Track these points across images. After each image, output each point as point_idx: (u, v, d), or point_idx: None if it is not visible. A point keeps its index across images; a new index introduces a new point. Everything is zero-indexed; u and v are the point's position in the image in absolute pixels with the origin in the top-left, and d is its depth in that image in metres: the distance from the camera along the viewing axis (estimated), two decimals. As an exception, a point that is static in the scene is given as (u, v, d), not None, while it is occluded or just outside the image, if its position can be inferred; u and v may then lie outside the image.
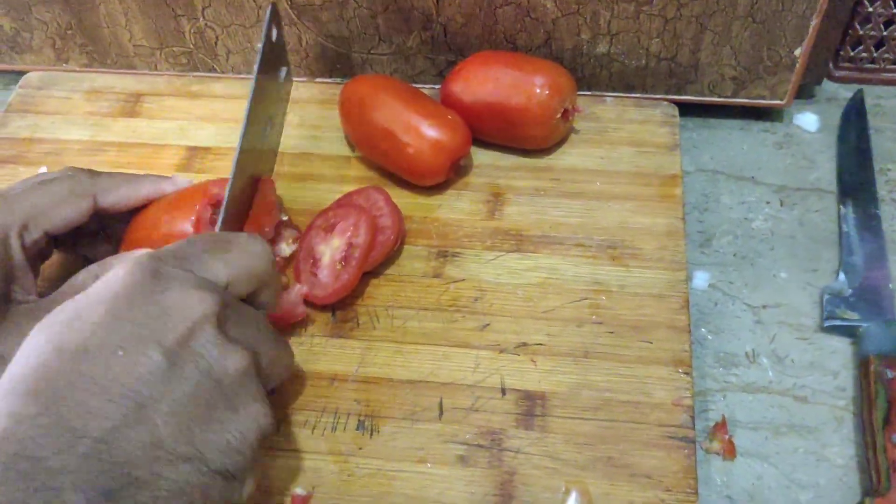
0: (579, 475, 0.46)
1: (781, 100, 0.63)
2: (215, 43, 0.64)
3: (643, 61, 0.61)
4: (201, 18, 0.63)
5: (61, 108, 0.66)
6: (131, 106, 0.66)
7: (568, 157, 0.60)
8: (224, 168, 0.61)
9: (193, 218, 0.50)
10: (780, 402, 0.52)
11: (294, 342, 0.52)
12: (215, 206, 0.51)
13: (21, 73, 0.69)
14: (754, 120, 0.66)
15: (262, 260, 0.41)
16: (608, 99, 0.63)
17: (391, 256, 0.55)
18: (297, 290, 0.52)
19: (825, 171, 0.63)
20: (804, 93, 0.67)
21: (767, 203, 0.61)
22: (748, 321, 0.56)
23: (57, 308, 0.36)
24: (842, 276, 0.56)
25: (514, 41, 0.61)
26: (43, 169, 0.62)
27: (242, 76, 0.67)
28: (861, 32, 0.64)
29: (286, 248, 0.55)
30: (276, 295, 0.44)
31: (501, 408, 0.49)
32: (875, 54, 0.66)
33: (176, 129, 0.64)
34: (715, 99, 0.64)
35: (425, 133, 0.56)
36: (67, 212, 0.47)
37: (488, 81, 0.58)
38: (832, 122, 0.65)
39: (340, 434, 0.49)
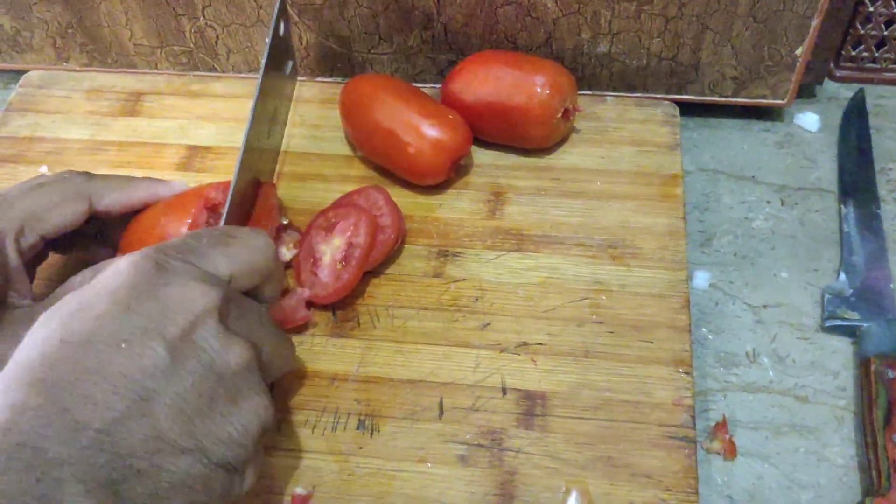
0: (580, 475, 0.46)
1: (782, 99, 0.63)
2: (216, 42, 0.64)
3: (644, 61, 0.61)
4: (202, 18, 0.62)
5: (62, 107, 0.66)
6: (132, 105, 0.66)
7: (568, 156, 0.60)
8: (224, 167, 0.61)
9: (190, 221, 0.50)
10: (781, 401, 0.52)
11: (295, 341, 0.51)
12: (212, 209, 0.51)
13: (21, 72, 0.69)
14: (755, 119, 0.66)
15: (264, 254, 0.41)
16: (609, 98, 0.63)
17: (391, 256, 0.55)
18: (300, 295, 0.52)
19: (826, 170, 0.63)
20: (805, 92, 0.67)
21: (768, 203, 0.61)
22: (749, 321, 0.56)
23: (61, 300, 0.36)
24: (842, 275, 0.56)
25: (515, 41, 0.61)
26: (43, 168, 0.62)
27: (243, 75, 0.67)
28: (862, 32, 0.64)
29: (287, 253, 0.55)
30: (279, 289, 0.44)
31: (502, 407, 0.49)
32: (876, 54, 0.66)
33: (176, 129, 0.64)
34: (716, 98, 0.64)
35: (426, 132, 0.56)
36: (63, 215, 0.47)
37: (489, 81, 0.58)
38: (833, 121, 0.65)
39: (341, 433, 0.49)
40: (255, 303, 0.41)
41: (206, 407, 0.35)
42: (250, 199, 0.53)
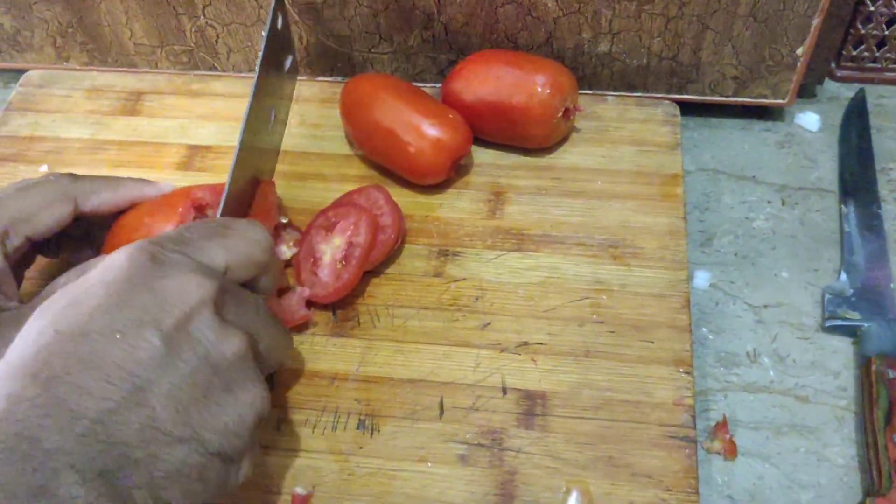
0: (580, 475, 0.46)
1: (783, 99, 0.63)
2: (216, 41, 0.64)
3: (644, 60, 0.61)
4: (202, 17, 0.62)
5: (62, 107, 0.66)
6: (132, 104, 0.66)
7: (569, 156, 0.60)
8: (225, 167, 0.60)
9: (176, 221, 0.49)
10: (782, 401, 0.52)
11: (295, 341, 0.52)
12: (199, 209, 0.50)
13: (22, 72, 0.69)
14: (756, 119, 0.66)
15: (260, 246, 0.41)
16: (609, 98, 0.63)
17: (392, 255, 0.55)
18: (300, 293, 0.52)
19: (826, 170, 0.63)
20: (806, 92, 0.67)
21: (769, 202, 0.61)
22: (749, 321, 0.56)
23: (56, 293, 0.36)
24: (843, 275, 0.56)
25: (516, 40, 0.61)
26: (44, 168, 0.62)
27: (243, 74, 0.67)
28: (863, 32, 0.64)
29: (286, 251, 0.55)
30: (276, 282, 0.44)
31: (502, 407, 0.49)
32: (877, 54, 0.66)
33: (177, 128, 0.64)
34: (716, 98, 0.64)
35: (426, 132, 0.56)
36: (49, 217, 0.47)
37: (489, 80, 0.57)
38: (834, 121, 0.65)
39: (341, 433, 0.49)
40: (251, 294, 0.41)
41: (201, 397, 0.35)
42: (248, 197, 0.53)
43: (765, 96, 0.63)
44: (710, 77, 0.62)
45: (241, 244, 0.41)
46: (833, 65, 0.67)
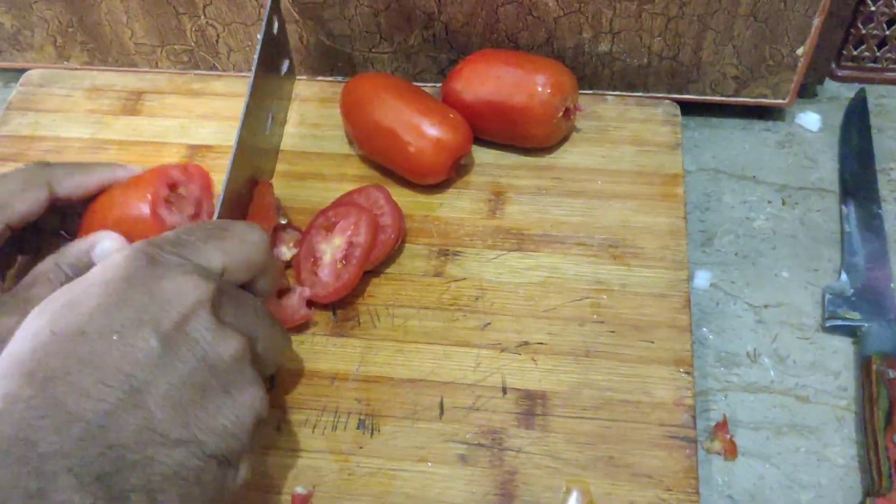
0: (580, 474, 0.46)
1: (783, 99, 0.63)
2: (216, 41, 0.64)
3: (645, 60, 0.61)
4: (202, 16, 0.62)
5: (62, 106, 0.66)
6: (132, 104, 0.66)
7: (569, 155, 0.60)
8: (225, 167, 0.61)
9: (149, 197, 0.49)
10: (782, 401, 0.52)
11: (295, 340, 0.52)
12: (172, 187, 0.50)
13: (22, 71, 0.69)
14: (756, 119, 0.66)
15: (258, 248, 0.41)
16: (610, 98, 0.63)
17: (392, 255, 0.55)
18: (300, 293, 0.52)
19: (827, 170, 0.63)
20: (806, 92, 0.66)
21: (769, 202, 0.61)
22: (749, 321, 0.56)
23: (54, 293, 0.36)
24: (843, 275, 0.56)
25: (516, 40, 0.61)
26: (44, 167, 0.62)
27: (243, 74, 0.67)
28: (863, 32, 0.64)
29: (286, 252, 0.55)
30: (274, 284, 0.44)
31: (502, 407, 0.49)
32: (877, 54, 0.66)
33: (177, 128, 0.64)
34: (717, 98, 0.64)
35: (426, 132, 0.55)
36: (24, 202, 0.47)
37: (490, 80, 0.57)
38: (834, 121, 0.65)
39: (341, 433, 0.49)
40: (249, 295, 0.41)
41: (199, 398, 0.35)
42: (245, 199, 0.53)
43: (765, 96, 0.63)
44: (710, 77, 0.62)
45: (239, 246, 0.41)
46: (834, 65, 0.67)
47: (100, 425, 0.32)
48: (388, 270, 0.55)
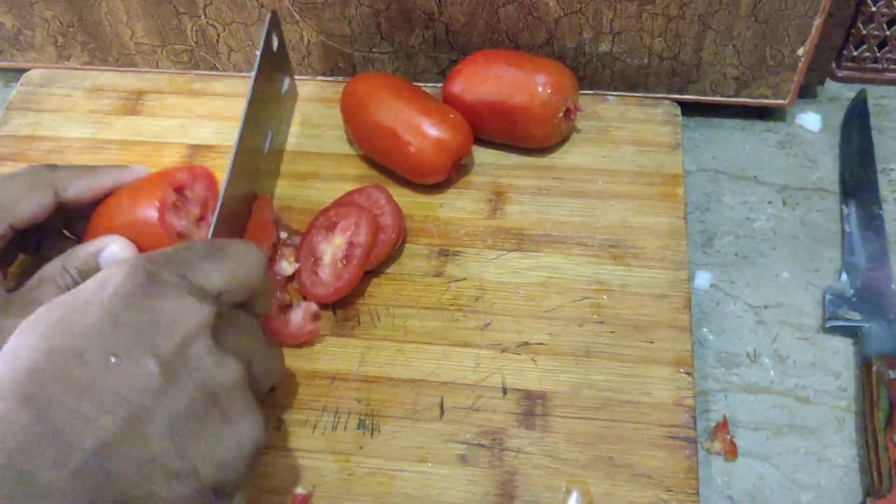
0: (580, 475, 0.46)
1: (784, 99, 0.63)
2: (217, 41, 0.64)
3: (645, 60, 0.61)
4: (203, 16, 0.62)
5: (63, 106, 0.66)
6: (132, 104, 0.66)
7: (570, 155, 0.60)
8: (226, 167, 0.61)
9: (157, 203, 0.49)
10: (782, 402, 0.52)
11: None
12: (179, 191, 0.50)
13: (23, 71, 0.69)
14: (756, 119, 0.66)
15: (255, 269, 0.40)
16: (610, 98, 0.63)
17: (392, 255, 0.55)
18: (305, 309, 0.52)
19: (827, 170, 0.63)
20: (807, 92, 0.66)
21: (769, 203, 0.61)
22: (750, 321, 0.56)
23: (44, 306, 0.35)
24: (844, 276, 0.56)
25: (517, 40, 0.61)
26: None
27: (244, 74, 0.66)
28: (864, 32, 0.64)
29: (287, 267, 0.54)
30: (269, 305, 0.43)
31: (502, 407, 0.49)
32: (878, 54, 0.66)
33: (177, 127, 0.64)
34: (717, 98, 0.64)
35: (427, 132, 0.55)
36: (30, 205, 0.47)
37: (490, 80, 0.57)
38: (835, 122, 0.65)
39: (341, 433, 0.49)
40: (245, 316, 0.40)
41: (199, 428, 0.34)
42: (244, 215, 0.53)
43: (766, 96, 0.63)
44: (711, 77, 0.62)
45: (237, 268, 0.40)
46: (834, 65, 0.67)
47: (98, 456, 0.31)
48: (389, 270, 0.55)
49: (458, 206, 0.58)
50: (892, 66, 0.67)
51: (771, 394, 0.52)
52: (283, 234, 0.55)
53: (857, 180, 0.61)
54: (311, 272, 0.53)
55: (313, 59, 0.65)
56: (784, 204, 0.61)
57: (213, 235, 0.47)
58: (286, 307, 0.52)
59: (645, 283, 0.53)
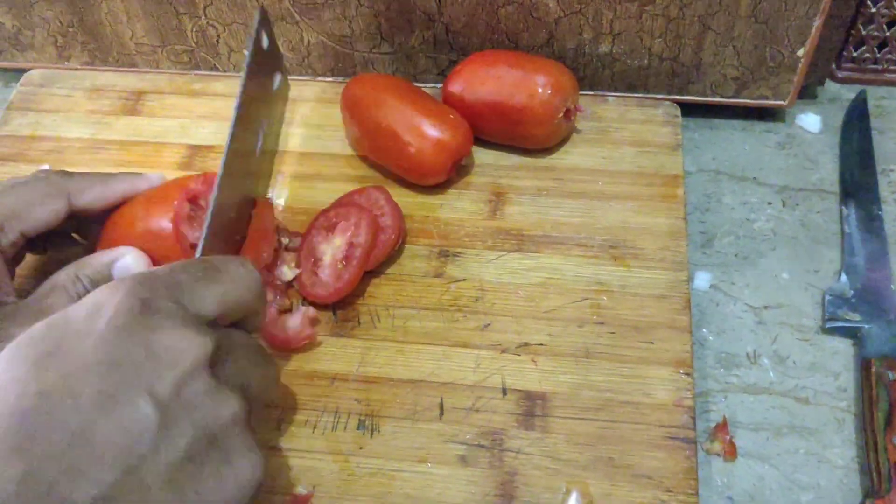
0: (580, 475, 0.46)
1: (784, 100, 0.63)
2: (217, 41, 0.64)
3: (645, 61, 0.61)
4: (203, 17, 0.62)
5: (63, 106, 0.66)
6: (133, 104, 0.66)
7: (570, 156, 0.60)
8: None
9: (171, 214, 0.49)
10: (782, 403, 0.52)
11: (295, 341, 0.52)
12: (193, 200, 0.50)
13: (23, 71, 0.69)
14: (756, 120, 0.66)
15: (251, 288, 0.40)
16: (610, 98, 0.63)
17: (392, 256, 0.55)
18: (303, 313, 0.51)
19: (827, 171, 0.63)
20: (807, 93, 0.66)
21: (769, 203, 0.61)
22: (749, 322, 0.56)
23: (34, 329, 0.34)
24: (843, 277, 0.56)
25: (517, 40, 0.61)
26: (45, 167, 0.62)
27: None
28: (864, 33, 0.64)
29: (288, 272, 0.54)
30: (262, 320, 0.42)
31: (502, 408, 0.49)
32: (878, 55, 0.66)
33: (177, 128, 0.64)
34: (717, 99, 0.64)
35: (427, 132, 0.55)
36: (43, 212, 0.47)
37: (490, 81, 0.57)
38: (835, 122, 0.65)
39: (341, 433, 0.49)
40: (240, 334, 0.39)
41: (198, 472, 0.33)
42: (243, 220, 0.53)
43: (766, 97, 0.63)
44: (711, 78, 0.62)
45: (232, 289, 0.38)
46: (834, 66, 0.67)
47: None
48: (389, 271, 0.55)
49: (458, 207, 0.58)
50: (891, 67, 0.67)
51: (771, 394, 0.52)
52: (285, 240, 0.55)
53: (857, 181, 0.61)
54: (312, 273, 0.53)
55: (313, 60, 0.65)
56: (784, 205, 0.61)
57: (206, 240, 0.46)
58: (285, 311, 0.52)
59: (645, 284, 0.53)
